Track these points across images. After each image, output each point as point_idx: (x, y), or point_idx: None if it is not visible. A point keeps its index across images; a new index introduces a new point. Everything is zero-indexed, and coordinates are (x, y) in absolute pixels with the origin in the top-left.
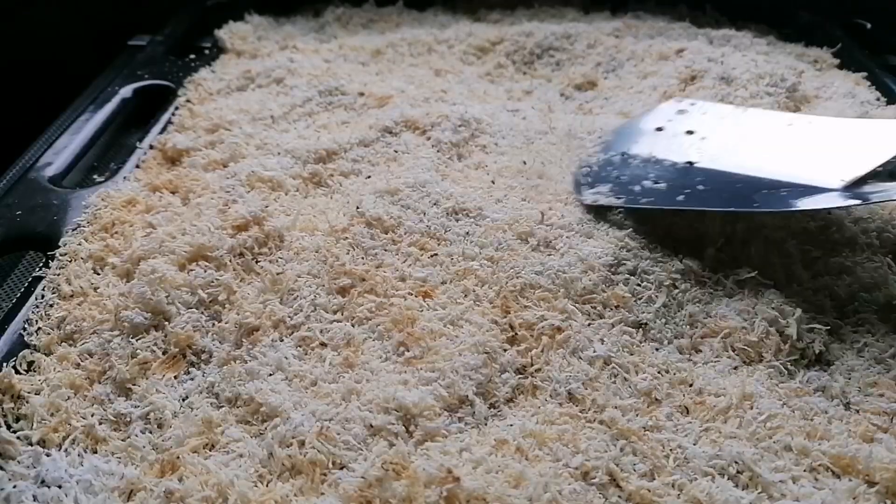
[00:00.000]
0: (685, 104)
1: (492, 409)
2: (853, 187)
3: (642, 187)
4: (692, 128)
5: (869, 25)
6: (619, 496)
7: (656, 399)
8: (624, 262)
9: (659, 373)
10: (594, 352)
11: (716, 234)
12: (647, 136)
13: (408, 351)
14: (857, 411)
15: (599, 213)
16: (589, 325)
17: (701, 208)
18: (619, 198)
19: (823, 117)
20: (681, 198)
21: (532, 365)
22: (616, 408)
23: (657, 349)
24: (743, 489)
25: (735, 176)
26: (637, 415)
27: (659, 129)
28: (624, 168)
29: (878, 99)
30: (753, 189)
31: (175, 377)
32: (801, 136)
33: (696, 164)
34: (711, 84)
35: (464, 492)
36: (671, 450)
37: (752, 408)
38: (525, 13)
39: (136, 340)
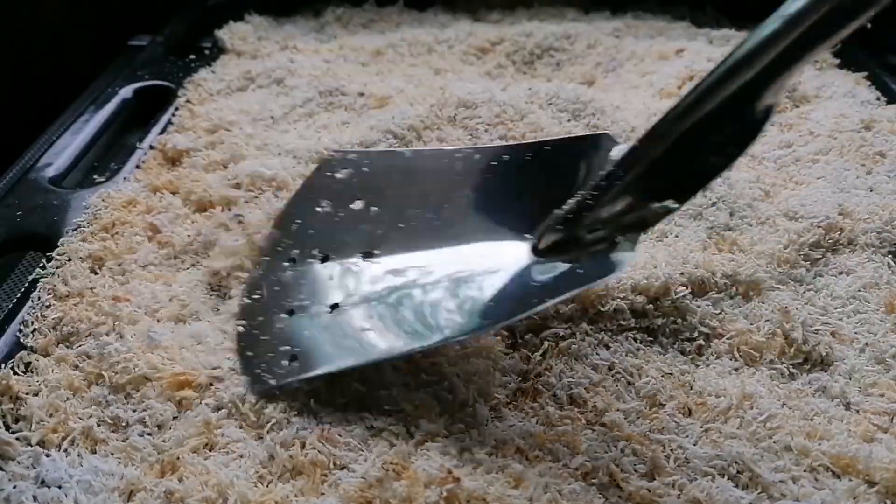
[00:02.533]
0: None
1: (492, 412)
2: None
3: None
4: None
5: (869, 25)
6: (620, 496)
7: (660, 403)
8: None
9: (662, 376)
10: (598, 357)
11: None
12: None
13: None
14: (858, 411)
15: None
16: (594, 332)
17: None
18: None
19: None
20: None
21: (533, 371)
22: (619, 411)
23: (661, 353)
24: (743, 489)
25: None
26: (639, 417)
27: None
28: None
29: (877, 99)
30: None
31: None
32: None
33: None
34: None
35: (464, 492)
36: (671, 450)
37: (752, 408)
38: (525, 13)
39: None
